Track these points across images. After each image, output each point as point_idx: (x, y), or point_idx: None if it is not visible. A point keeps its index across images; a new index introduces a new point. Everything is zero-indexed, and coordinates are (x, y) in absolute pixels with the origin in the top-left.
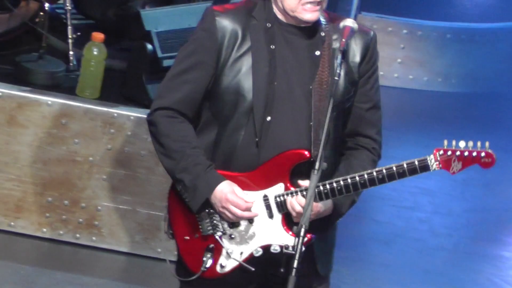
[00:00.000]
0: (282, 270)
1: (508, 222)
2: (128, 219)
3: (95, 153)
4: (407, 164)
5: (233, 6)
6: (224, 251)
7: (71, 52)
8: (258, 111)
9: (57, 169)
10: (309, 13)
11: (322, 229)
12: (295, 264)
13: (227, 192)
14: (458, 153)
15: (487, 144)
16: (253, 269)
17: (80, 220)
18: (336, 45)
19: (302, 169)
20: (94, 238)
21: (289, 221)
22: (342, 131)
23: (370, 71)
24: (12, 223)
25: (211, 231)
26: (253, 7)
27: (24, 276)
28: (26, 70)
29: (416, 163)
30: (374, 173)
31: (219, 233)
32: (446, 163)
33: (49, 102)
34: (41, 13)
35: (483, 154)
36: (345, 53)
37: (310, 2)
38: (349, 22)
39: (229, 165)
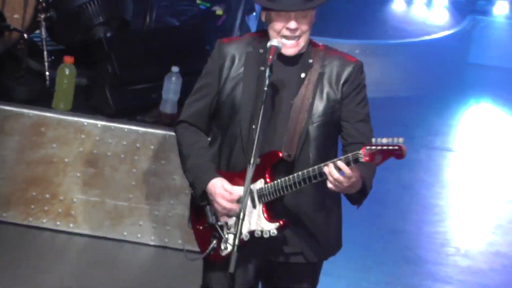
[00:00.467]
0: (276, 256)
1: (407, 201)
2: (98, 209)
3: (69, 155)
4: (344, 158)
5: (238, 38)
6: (223, 238)
7: (47, 73)
8: (245, 121)
9: (39, 169)
10: (288, 49)
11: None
12: (236, 242)
13: (216, 187)
14: (379, 147)
15: (401, 139)
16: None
17: (59, 210)
18: (325, 70)
19: (280, 167)
20: (71, 225)
21: (269, 210)
22: (329, 138)
23: (354, 91)
24: (4, 214)
25: (213, 221)
26: (253, 38)
27: (10, 259)
28: (11, 88)
29: (350, 157)
30: (322, 166)
31: (219, 223)
32: (371, 156)
33: (30, 114)
34: (21, 41)
35: (396, 147)
36: (272, 67)
37: (287, 37)
38: (274, 42)
39: (229, 166)
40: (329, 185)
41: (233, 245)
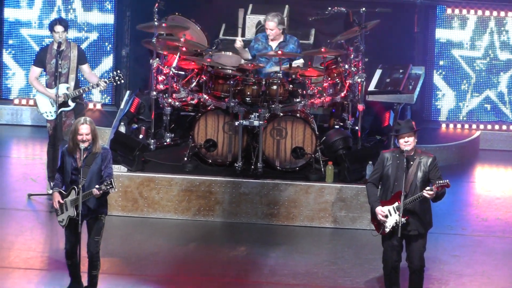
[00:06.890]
0: (399, 232)
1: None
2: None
3: None
4: (428, 188)
5: (388, 150)
6: (386, 226)
7: None
8: (392, 181)
9: None
10: (405, 147)
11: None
12: (401, 220)
13: (378, 209)
14: (437, 185)
15: (447, 180)
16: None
17: None
18: (421, 160)
19: (401, 197)
20: None
21: (401, 213)
22: (423, 186)
23: (433, 169)
24: None
25: (383, 221)
26: (393, 150)
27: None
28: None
29: (429, 188)
30: (423, 191)
31: (383, 220)
32: (437, 188)
33: None
34: None
35: (445, 184)
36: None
37: (404, 146)
38: (401, 147)
39: (386, 199)
40: (427, 196)
41: (399, 222)
